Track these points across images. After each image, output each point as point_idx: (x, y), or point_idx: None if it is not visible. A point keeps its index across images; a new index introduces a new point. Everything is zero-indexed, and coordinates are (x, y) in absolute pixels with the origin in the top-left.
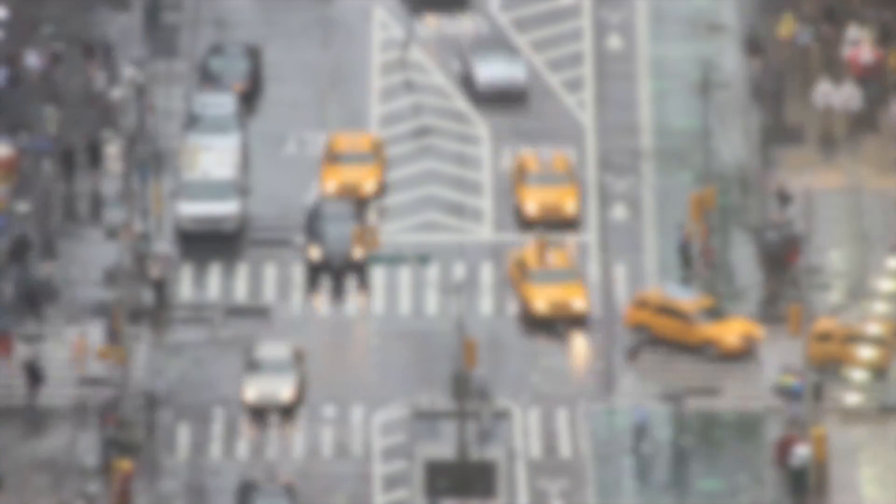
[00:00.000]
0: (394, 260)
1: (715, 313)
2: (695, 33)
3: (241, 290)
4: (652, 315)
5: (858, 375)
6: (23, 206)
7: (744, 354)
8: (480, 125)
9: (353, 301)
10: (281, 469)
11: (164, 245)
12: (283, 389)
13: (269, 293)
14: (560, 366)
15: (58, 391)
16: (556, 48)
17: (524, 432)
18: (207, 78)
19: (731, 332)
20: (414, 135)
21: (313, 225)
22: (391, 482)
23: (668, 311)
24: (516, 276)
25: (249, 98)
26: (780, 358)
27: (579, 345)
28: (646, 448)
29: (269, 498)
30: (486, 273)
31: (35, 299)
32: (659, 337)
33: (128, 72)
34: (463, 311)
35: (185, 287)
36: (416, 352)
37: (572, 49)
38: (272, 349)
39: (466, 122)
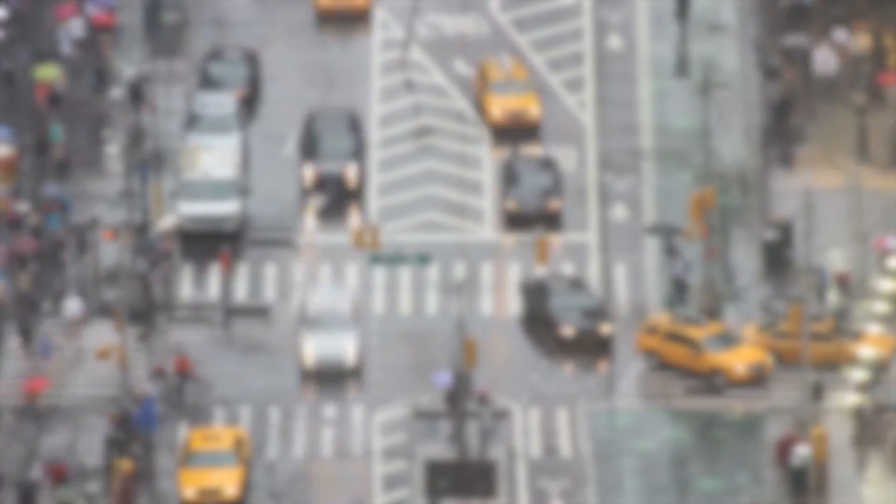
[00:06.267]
0: (394, 260)
1: (725, 340)
2: (695, 33)
3: (241, 290)
4: (661, 341)
5: (858, 375)
6: (23, 206)
7: (752, 383)
8: (480, 125)
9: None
10: None
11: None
12: None
13: (269, 293)
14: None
15: (59, 390)
16: (556, 48)
17: (524, 432)
18: (207, 84)
19: (740, 360)
20: (413, 135)
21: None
22: (391, 482)
23: (677, 337)
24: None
25: (249, 103)
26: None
27: None
28: None
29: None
30: (486, 273)
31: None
32: (668, 363)
33: (128, 72)
34: (463, 311)
35: (185, 287)
36: (416, 352)
37: (572, 49)
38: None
39: (467, 122)
